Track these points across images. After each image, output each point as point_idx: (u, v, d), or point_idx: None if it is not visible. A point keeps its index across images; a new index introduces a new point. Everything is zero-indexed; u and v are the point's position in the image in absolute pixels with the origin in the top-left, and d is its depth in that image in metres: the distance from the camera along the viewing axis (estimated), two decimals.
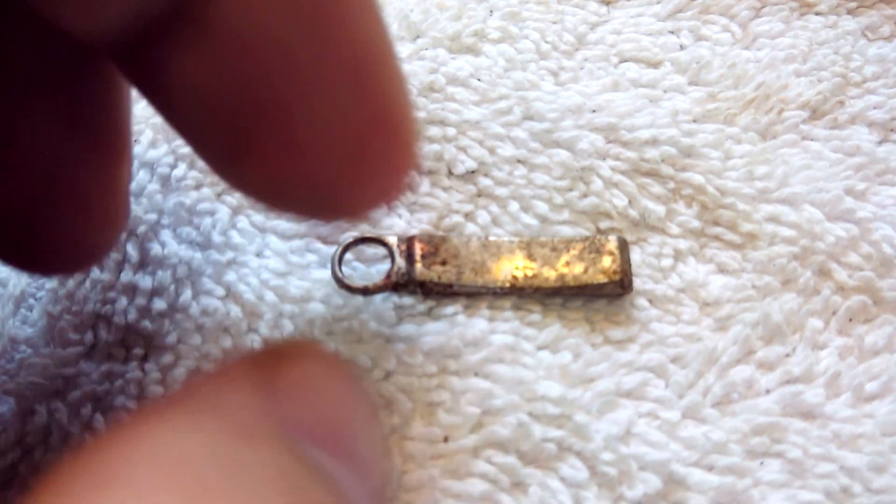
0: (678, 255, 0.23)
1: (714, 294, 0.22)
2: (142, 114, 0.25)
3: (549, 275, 0.22)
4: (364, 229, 0.23)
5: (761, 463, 0.20)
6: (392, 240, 0.22)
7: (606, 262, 0.22)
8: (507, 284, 0.22)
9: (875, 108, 0.25)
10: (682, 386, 0.21)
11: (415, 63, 0.25)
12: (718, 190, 0.23)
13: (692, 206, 0.23)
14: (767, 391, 0.21)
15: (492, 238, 0.22)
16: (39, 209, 0.18)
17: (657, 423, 0.20)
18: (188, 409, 0.13)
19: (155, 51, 0.16)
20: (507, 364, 0.21)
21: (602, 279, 0.21)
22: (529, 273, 0.22)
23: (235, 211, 0.23)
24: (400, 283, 0.22)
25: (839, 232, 0.22)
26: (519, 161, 0.24)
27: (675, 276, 0.22)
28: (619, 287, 0.21)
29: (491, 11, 0.26)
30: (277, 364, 0.15)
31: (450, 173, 0.24)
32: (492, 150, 0.24)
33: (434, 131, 0.24)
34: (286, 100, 0.15)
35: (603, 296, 0.22)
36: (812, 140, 0.24)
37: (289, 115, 0.16)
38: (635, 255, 0.23)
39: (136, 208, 0.23)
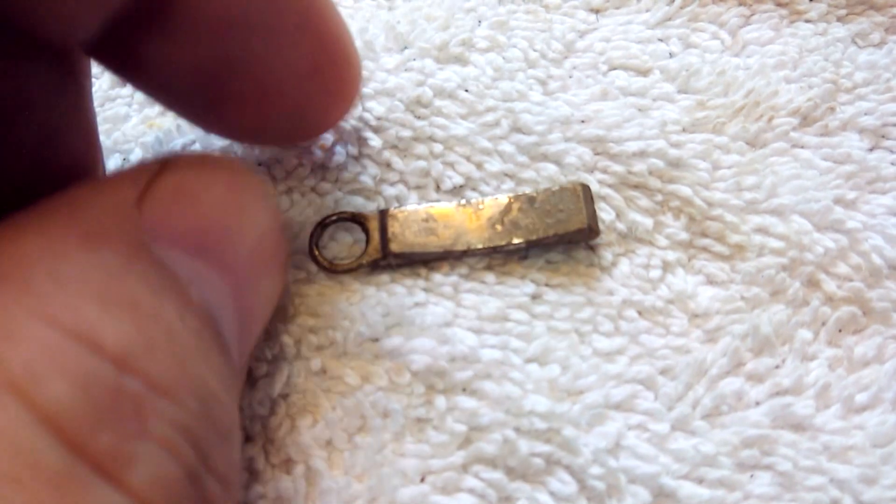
0: (666, 267, 0.23)
1: (703, 306, 0.22)
2: (132, 132, 0.25)
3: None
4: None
5: (751, 476, 0.20)
6: (370, 212, 0.23)
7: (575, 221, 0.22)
8: (480, 246, 0.22)
9: (866, 114, 0.25)
10: (672, 398, 0.21)
11: (402, 76, 0.25)
12: (706, 202, 0.23)
13: (680, 217, 0.23)
14: (757, 403, 0.21)
15: (468, 248, 0.22)
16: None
17: (646, 436, 0.20)
18: (43, 217, 0.15)
19: (128, 38, 0.18)
20: (494, 380, 0.21)
21: (571, 229, 0.22)
22: (500, 241, 0.22)
23: None
24: (376, 259, 0.22)
25: (828, 243, 0.22)
26: (507, 175, 0.23)
27: (664, 288, 0.22)
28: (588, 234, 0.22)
29: (479, 21, 0.26)
30: (158, 172, 0.16)
31: (437, 189, 0.24)
32: (479, 166, 0.24)
33: (420, 149, 0.24)
34: (252, 54, 0.19)
35: (575, 241, 0.22)
36: (802, 147, 0.24)
37: (256, 66, 0.19)
38: (623, 267, 0.22)
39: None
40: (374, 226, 0.22)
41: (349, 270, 0.22)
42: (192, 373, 0.15)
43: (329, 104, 0.21)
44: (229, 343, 0.16)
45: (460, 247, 0.22)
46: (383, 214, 0.22)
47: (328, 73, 0.20)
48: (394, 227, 0.22)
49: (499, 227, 0.22)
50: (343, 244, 0.23)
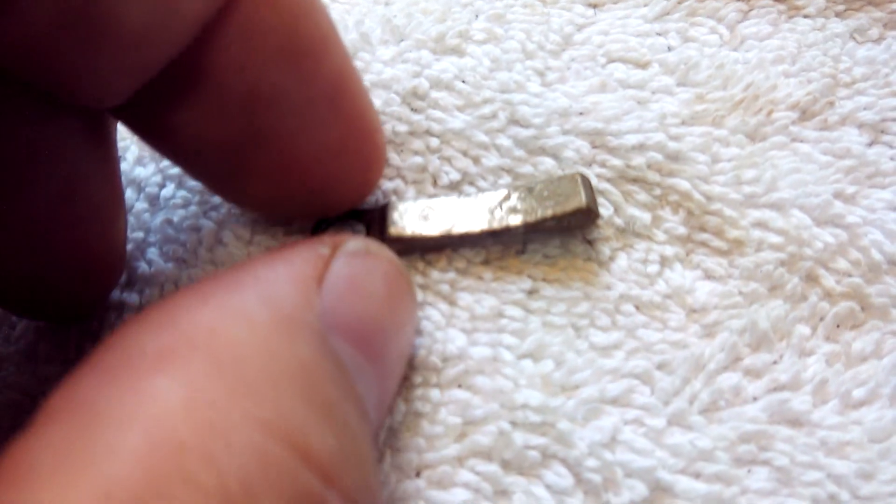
0: (664, 262, 0.22)
1: (701, 300, 0.22)
2: (125, 130, 0.24)
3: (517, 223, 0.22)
4: None
5: (748, 471, 0.20)
6: (365, 209, 0.23)
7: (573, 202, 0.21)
8: (477, 230, 0.22)
9: (865, 108, 0.24)
10: (668, 393, 0.21)
11: (398, 67, 0.24)
12: (705, 196, 0.23)
13: (678, 212, 0.23)
14: (754, 398, 0.21)
15: (466, 232, 0.22)
16: (41, 265, 0.19)
17: (643, 431, 0.20)
18: (236, 293, 0.14)
19: (158, 106, 0.18)
20: (486, 375, 0.20)
21: (569, 209, 0.21)
22: (497, 226, 0.22)
23: (220, 226, 0.23)
24: None
25: (827, 238, 0.22)
26: (504, 170, 0.23)
27: (662, 282, 0.22)
28: (587, 216, 0.22)
29: (476, 15, 0.26)
30: (331, 256, 0.16)
31: (434, 184, 0.23)
32: (476, 160, 0.23)
33: (417, 144, 0.24)
34: (280, 129, 0.19)
35: (573, 227, 0.22)
36: (801, 142, 0.24)
37: (283, 141, 0.19)
38: (621, 262, 0.22)
39: None
40: (373, 217, 0.22)
41: None
42: (372, 482, 0.14)
43: (353, 183, 0.21)
44: (374, 424, 0.16)
45: (458, 231, 0.22)
46: (383, 207, 0.22)
47: (354, 151, 0.20)
48: (393, 217, 0.22)
49: (497, 213, 0.22)
50: None
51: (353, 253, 0.17)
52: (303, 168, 0.20)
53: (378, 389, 0.17)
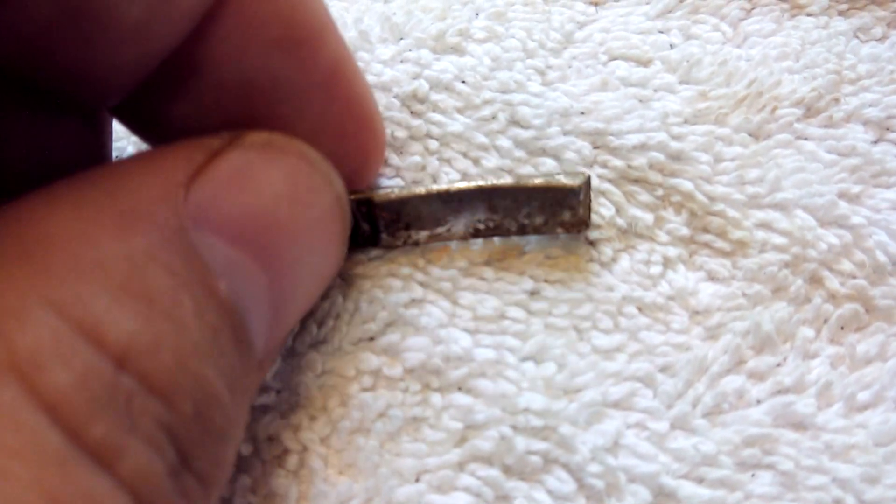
0: (667, 263, 0.22)
1: (704, 302, 0.22)
2: (124, 129, 0.24)
3: (510, 227, 0.22)
4: None
5: (752, 475, 0.20)
6: (353, 200, 0.22)
7: (566, 216, 0.21)
8: (469, 237, 0.22)
9: (870, 105, 0.24)
10: (671, 396, 0.20)
11: (397, 67, 0.24)
12: (708, 196, 0.23)
13: (681, 213, 0.23)
14: (758, 401, 0.20)
15: (454, 187, 0.21)
16: None
17: (646, 435, 0.20)
18: (82, 191, 0.15)
19: (156, 101, 0.18)
20: (489, 378, 0.20)
21: (560, 231, 0.22)
22: (491, 225, 0.22)
23: None
24: (367, 243, 0.22)
25: (832, 239, 0.22)
26: (504, 171, 0.23)
27: (665, 284, 0.22)
28: (576, 226, 0.21)
29: (477, 13, 0.25)
30: (224, 147, 0.16)
31: (434, 184, 0.23)
32: (476, 162, 0.23)
33: (416, 147, 0.23)
34: (277, 117, 0.18)
35: (566, 203, 0.21)
36: (806, 139, 0.24)
37: (282, 128, 0.18)
38: (624, 263, 0.22)
39: None
40: (361, 212, 0.22)
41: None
42: (194, 373, 0.15)
43: (353, 169, 0.20)
44: (254, 337, 0.16)
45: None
46: (370, 204, 0.22)
47: (353, 137, 0.20)
48: (378, 194, 0.22)
49: (488, 180, 0.22)
50: None
51: (251, 144, 0.17)
52: None
53: (270, 290, 0.17)
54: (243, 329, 0.16)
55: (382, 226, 0.21)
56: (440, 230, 0.22)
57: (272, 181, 0.17)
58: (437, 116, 0.24)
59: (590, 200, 0.21)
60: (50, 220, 0.14)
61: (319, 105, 0.19)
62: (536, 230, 0.22)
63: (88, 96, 0.17)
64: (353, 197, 0.21)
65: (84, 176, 0.15)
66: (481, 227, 0.22)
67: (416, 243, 0.22)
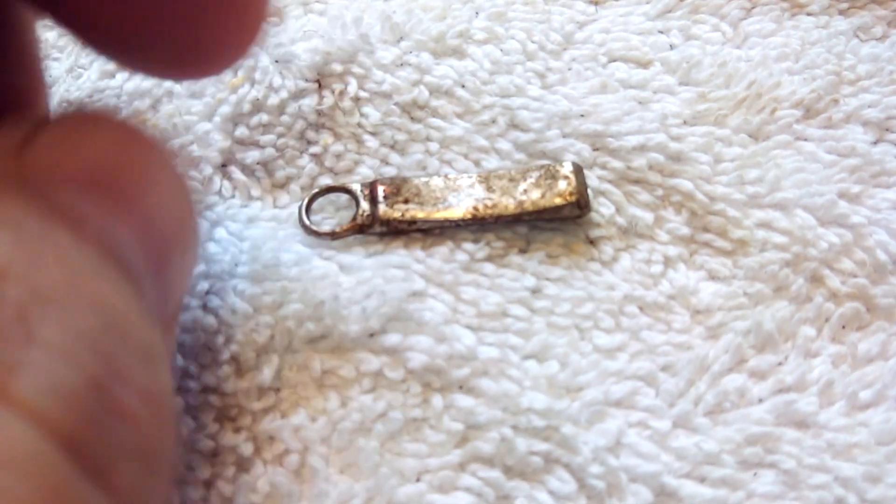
0: (668, 262, 0.22)
1: (705, 302, 0.22)
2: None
3: (508, 203, 0.22)
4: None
5: (754, 474, 0.19)
6: (355, 186, 0.23)
7: (562, 185, 0.22)
8: (469, 216, 0.22)
9: (870, 106, 0.24)
10: (673, 395, 0.20)
11: (398, 74, 0.24)
12: (708, 196, 0.23)
13: (681, 212, 0.23)
14: (760, 400, 0.20)
15: (452, 175, 0.23)
16: None
17: (648, 434, 0.20)
18: None
19: None
20: (491, 377, 0.20)
21: (559, 202, 0.22)
22: (489, 203, 0.22)
23: (214, 224, 0.23)
24: (366, 225, 0.22)
25: (832, 238, 0.22)
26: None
27: (666, 283, 0.22)
28: (576, 208, 0.22)
29: (476, 13, 0.26)
30: (47, 123, 0.15)
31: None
32: (477, 163, 0.23)
33: (417, 147, 0.24)
34: None
35: (562, 219, 0.22)
36: (806, 140, 0.24)
37: None
38: (624, 262, 0.22)
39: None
40: (363, 194, 0.23)
41: (340, 235, 0.22)
42: (88, 288, 0.13)
43: (225, 24, 0.17)
44: (139, 276, 0.15)
45: (445, 216, 0.22)
46: (373, 183, 0.23)
47: None
48: (383, 185, 0.22)
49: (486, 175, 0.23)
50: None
51: (67, 115, 0.16)
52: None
53: (140, 240, 0.15)
54: (124, 264, 0.15)
55: (381, 198, 0.22)
56: (439, 208, 0.22)
57: (103, 136, 0.16)
58: (436, 121, 0.24)
59: (584, 184, 0.22)
60: None
61: None
62: (535, 206, 0.22)
63: None
64: (356, 181, 0.22)
65: None
66: (479, 206, 0.22)
67: (414, 222, 0.22)
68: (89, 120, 0.16)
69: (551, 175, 0.22)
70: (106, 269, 0.14)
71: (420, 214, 0.22)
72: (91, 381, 0.12)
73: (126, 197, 0.15)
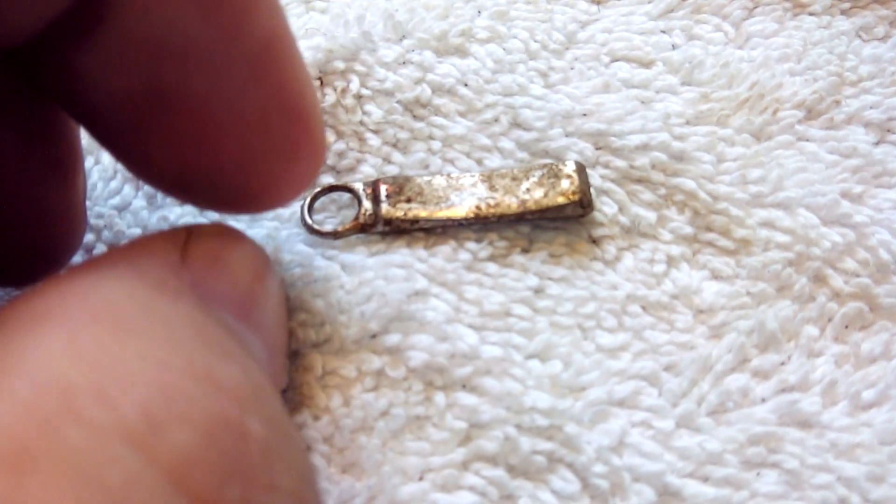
0: (671, 261, 0.22)
1: (708, 301, 0.22)
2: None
3: (511, 203, 0.22)
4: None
5: (758, 474, 0.19)
6: (358, 185, 0.23)
7: (565, 184, 0.22)
8: (471, 215, 0.22)
9: (871, 107, 0.24)
10: (676, 394, 0.20)
11: (400, 72, 0.24)
12: (711, 195, 0.23)
13: (684, 211, 0.23)
14: (763, 400, 0.20)
15: (454, 174, 0.23)
16: None
17: (651, 433, 0.20)
18: (109, 266, 0.14)
19: (59, 49, 0.16)
20: (494, 376, 0.20)
21: (561, 200, 0.22)
22: (492, 202, 0.22)
23: None
24: (368, 224, 0.22)
25: (835, 237, 0.22)
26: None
27: (669, 283, 0.22)
28: (578, 207, 0.22)
29: (479, 12, 0.25)
30: (188, 238, 0.16)
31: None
32: (479, 162, 0.23)
33: (419, 146, 0.24)
34: (189, 89, 0.16)
35: (565, 218, 0.22)
36: (808, 141, 0.24)
37: (192, 103, 0.16)
38: (627, 261, 0.22)
39: (121, 223, 0.23)
40: (366, 193, 0.23)
41: (343, 234, 0.22)
42: (282, 419, 0.14)
43: (272, 174, 0.18)
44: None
45: (447, 216, 0.22)
46: (375, 182, 0.23)
47: (280, 132, 0.17)
48: (386, 184, 0.22)
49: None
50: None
51: (210, 232, 0.17)
52: (213, 140, 0.17)
53: (268, 356, 0.17)
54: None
55: (384, 197, 0.22)
56: (441, 207, 0.22)
57: (241, 261, 0.17)
58: (439, 120, 0.24)
59: (587, 183, 0.22)
60: (102, 288, 0.13)
61: (241, 85, 0.16)
62: (537, 205, 0.22)
63: None
64: (359, 179, 0.23)
65: (94, 261, 0.15)
66: (482, 205, 0.22)
67: (416, 221, 0.22)
68: (226, 239, 0.17)
69: (554, 174, 0.22)
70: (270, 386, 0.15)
71: (423, 214, 0.22)
72: None
73: (260, 321, 0.17)
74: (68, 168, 0.19)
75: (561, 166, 0.22)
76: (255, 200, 0.19)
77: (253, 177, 0.18)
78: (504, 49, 0.25)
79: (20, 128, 0.17)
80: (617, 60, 0.25)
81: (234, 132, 0.17)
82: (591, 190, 0.22)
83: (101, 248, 0.23)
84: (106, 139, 0.18)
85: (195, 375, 0.12)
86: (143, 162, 0.18)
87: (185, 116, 0.16)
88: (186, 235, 0.16)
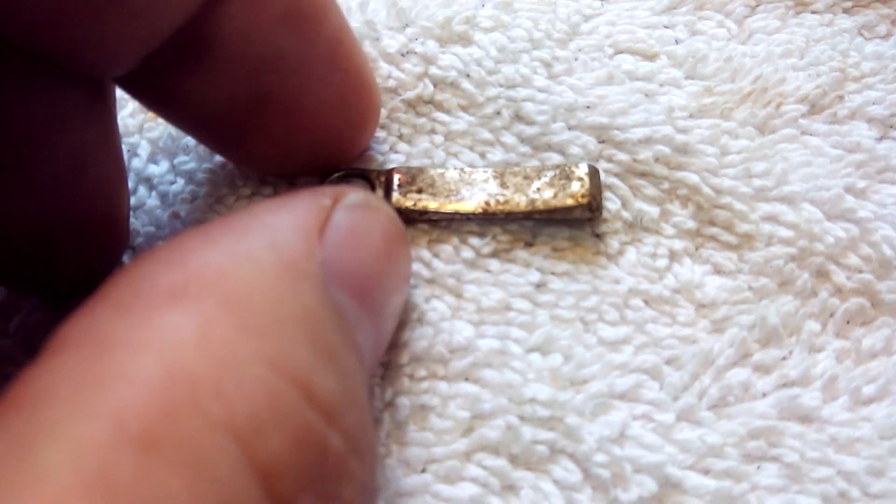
0: (673, 256, 0.22)
1: (710, 296, 0.22)
2: (132, 122, 0.24)
3: (520, 201, 0.22)
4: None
5: (758, 467, 0.20)
6: (372, 173, 0.23)
7: (575, 187, 0.22)
8: (480, 211, 0.22)
9: (874, 103, 0.24)
10: (677, 388, 0.20)
11: (403, 66, 0.24)
12: (714, 189, 0.23)
13: (687, 206, 0.23)
14: (764, 394, 0.20)
15: (467, 169, 0.23)
16: (45, 239, 0.19)
17: (652, 426, 0.20)
18: (243, 237, 0.15)
19: (163, 74, 0.18)
20: (494, 368, 0.20)
21: (570, 202, 0.21)
22: (501, 199, 0.22)
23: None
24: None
25: (839, 232, 0.22)
26: (509, 164, 0.23)
27: (671, 277, 0.22)
28: (587, 210, 0.22)
29: (483, 3, 0.25)
30: (332, 207, 0.17)
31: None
32: (482, 155, 0.23)
33: (423, 138, 0.24)
34: (283, 90, 0.19)
35: (574, 220, 0.22)
36: (811, 135, 0.24)
37: (286, 101, 0.20)
38: (630, 256, 0.22)
39: (135, 222, 0.23)
40: (379, 181, 0.23)
41: None
42: (368, 426, 0.15)
43: (351, 136, 0.22)
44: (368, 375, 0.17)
45: (456, 209, 0.22)
46: (389, 171, 0.23)
47: (353, 106, 0.21)
48: (399, 173, 0.22)
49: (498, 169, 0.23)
50: None
51: (354, 205, 0.17)
52: (305, 125, 0.20)
53: (374, 340, 0.17)
54: (368, 379, 0.17)
55: (396, 186, 0.22)
56: (451, 200, 0.22)
57: (374, 239, 0.17)
58: (441, 115, 0.24)
59: (598, 187, 0.22)
60: (238, 269, 0.14)
61: (322, 76, 0.20)
62: (546, 205, 0.22)
63: (94, 66, 0.18)
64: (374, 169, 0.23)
65: (231, 222, 0.15)
66: (491, 201, 0.22)
67: (425, 212, 0.22)
68: (367, 213, 0.17)
69: (566, 175, 0.22)
70: (366, 392, 0.15)
71: (432, 205, 0.22)
72: None
73: (377, 303, 0.17)
74: (116, 183, 0.20)
75: (574, 168, 0.22)
76: (334, 160, 0.22)
77: (334, 142, 0.22)
78: (508, 38, 0.25)
79: (76, 146, 0.19)
80: (621, 52, 0.25)
81: (319, 114, 0.20)
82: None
83: None
84: (209, 141, 0.21)
85: (297, 384, 0.13)
86: (245, 153, 0.21)
87: (281, 111, 0.20)
88: (332, 202, 0.17)
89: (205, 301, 0.13)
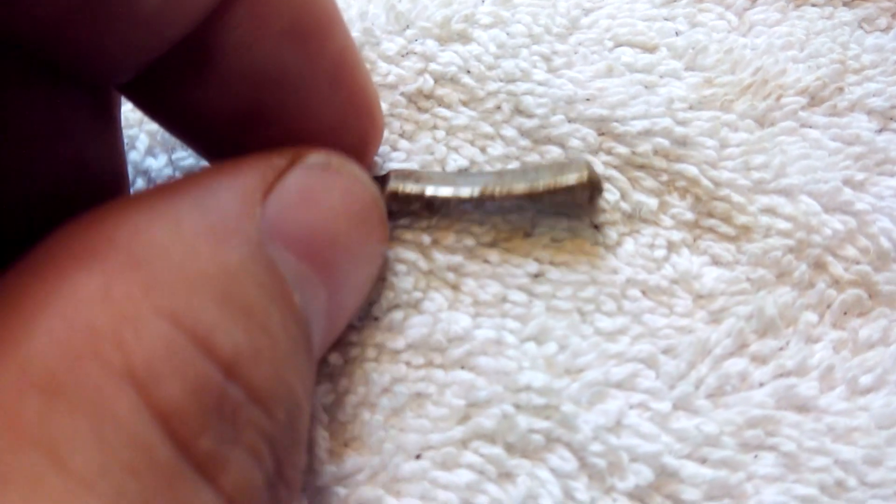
0: (671, 247, 0.22)
1: (708, 286, 0.22)
2: (133, 116, 0.24)
3: (520, 183, 0.22)
4: None
5: (755, 456, 0.20)
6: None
7: (574, 170, 0.21)
8: (477, 194, 0.22)
9: (874, 95, 0.24)
10: (674, 377, 0.21)
11: (403, 64, 0.24)
12: (713, 181, 0.23)
13: (686, 197, 0.23)
14: (761, 384, 0.21)
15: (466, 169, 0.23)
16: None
17: (648, 415, 0.20)
18: (170, 199, 0.15)
19: (166, 83, 0.18)
20: (490, 356, 0.20)
21: (571, 181, 0.21)
22: (500, 183, 0.22)
23: None
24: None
25: (836, 224, 0.22)
26: (510, 158, 0.23)
27: (669, 268, 0.22)
28: (587, 189, 0.21)
29: (482, 0, 0.26)
30: (287, 167, 0.17)
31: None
32: (483, 150, 0.23)
33: (424, 134, 0.24)
34: (284, 105, 0.19)
35: (573, 207, 0.22)
36: (811, 127, 0.24)
37: (286, 117, 0.19)
38: (628, 246, 0.22)
39: None
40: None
41: None
42: (286, 383, 0.15)
43: (352, 154, 0.21)
44: (315, 347, 0.17)
45: (452, 193, 0.22)
46: (388, 173, 0.23)
47: (354, 126, 0.21)
48: (394, 175, 0.22)
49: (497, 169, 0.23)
50: None
51: (312, 165, 0.17)
52: (306, 143, 0.20)
53: (328, 303, 0.17)
54: (311, 339, 0.17)
55: (392, 177, 0.22)
56: (449, 188, 0.22)
57: (332, 200, 0.17)
58: (442, 111, 0.24)
59: (597, 176, 0.22)
60: (151, 229, 0.15)
61: (325, 94, 0.19)
62: (546, 186, 0.21)
63: (98, 73, 0.18)
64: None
65: (167, 187, 0.16)
66: (490, 184, 0.22)
67: (421, 196, 0.22)
68: (326, 173, 0.18)
69: (563, 164, 0.22)
70: (300, 352, 0.16)
71: (429, 190, 0.22)
72: (266, 478, 0.14)
73: (331, 265, 0.17)
74: (117, 185, 0.21)
75: (571, 162, 0.22)
76: None
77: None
78: (507, 34, 0.25)
79: (77, 147, 0.19)
80: (620, 45, 0.25)
81: (321, 131, 0.20)
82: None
83: None
84: (207, 153, 0.21)
85: (195, 336, 0.14)
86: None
87: (281, 126, 0.19)
88: (289, 162, 0.17)
89: (111, 260, 0.14)
